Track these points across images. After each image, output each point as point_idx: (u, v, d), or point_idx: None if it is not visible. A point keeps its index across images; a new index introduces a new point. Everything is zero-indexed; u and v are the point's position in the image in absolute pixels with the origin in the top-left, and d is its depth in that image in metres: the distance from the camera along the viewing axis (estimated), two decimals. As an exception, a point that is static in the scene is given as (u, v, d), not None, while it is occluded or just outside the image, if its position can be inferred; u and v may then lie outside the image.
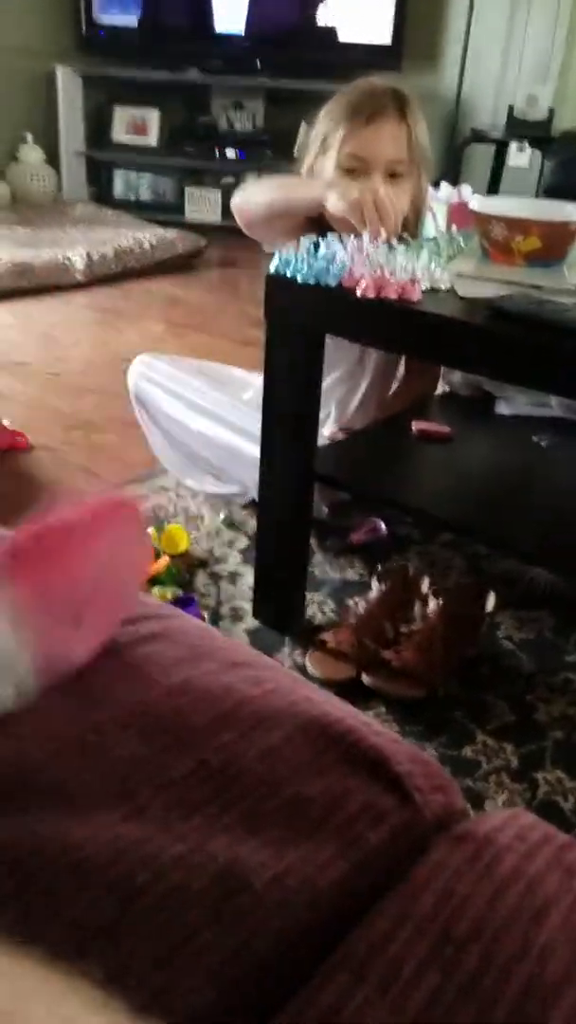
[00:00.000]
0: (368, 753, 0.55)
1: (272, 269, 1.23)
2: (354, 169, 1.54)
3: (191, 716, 0.55)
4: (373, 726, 0.58)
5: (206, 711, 0.56)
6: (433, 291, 1.18)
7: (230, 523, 1.72)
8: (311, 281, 1.18)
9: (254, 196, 1.60)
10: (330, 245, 1.21)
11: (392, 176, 1.55)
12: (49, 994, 0.21)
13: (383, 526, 1.71)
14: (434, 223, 1.65)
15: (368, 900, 0.47)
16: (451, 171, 3.82)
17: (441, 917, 0.42)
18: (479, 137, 3.78)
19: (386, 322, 1.15)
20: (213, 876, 0.45)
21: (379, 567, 1.52)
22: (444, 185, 1.75)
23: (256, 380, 1.90)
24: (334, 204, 1.38)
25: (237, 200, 1.62)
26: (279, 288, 1.23)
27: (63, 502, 0.60)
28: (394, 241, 1.25)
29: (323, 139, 1.57)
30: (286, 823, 0.49)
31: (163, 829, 0.46)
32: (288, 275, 1.20)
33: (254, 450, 1.50)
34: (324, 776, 0.53)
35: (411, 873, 0.46)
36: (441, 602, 1.42)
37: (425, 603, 1.45)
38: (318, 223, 1.51)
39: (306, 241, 1.21)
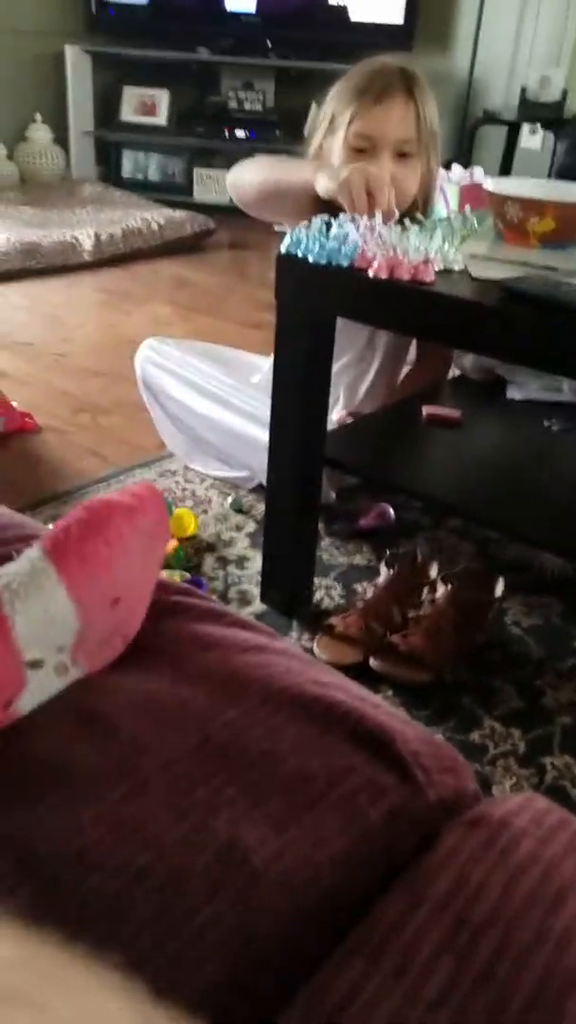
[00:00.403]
0: (372, 732, 0.55)
1: (283, 249, 1.21)
2: (363, 149, 1.52)
3: (196, 698, 0.55)
4: (383, 708, 0.57)
5: (211, 692, 0.56)
6: (446, 272, 1.16)
7: (238, 508, 1.72)
8: (322, 261, 1.17)
9: (245, 175, 1.57)
10: (342, 225, 1.19)
11: (401, 156, 1.53)
12: (72, 979, 0.20)
13: (391, 511, 1.70)
14: (446, 204, 1.63)
15: (368, 877, 0.47)
16: (463, 153, 3.79)
17: (456, 903, 0.41)
18: (491, 119, 3.74)
19: (398, 303, 1.14)
20: (214, 854, 0.45)
21: (387, 552, 1.51)
22: (456, 167, 1.73)
23: (264, 364, 1.89)
24: (324, 186, 1.34)
25: (230, 178, 1.60)
26: (290, 269, 1.21)
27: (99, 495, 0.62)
28: (393, 219, 1.23)
29: (331, 119, 1.56)
30: (288, 797, 0.49)
31: (166, 806, 0.46)
32: (299, 255, 1.19)
33: (262, 435, 1.49)
34: (327, 753, 0.52)
35: (424, 857, 0.45)
36: (450, 588, 1.41)
37: (433, 588, 1.45)
38: (329, 204, 1.49)
39: (318, 221, 1.20)
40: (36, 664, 0.54)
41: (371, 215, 1.22)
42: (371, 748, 0.53)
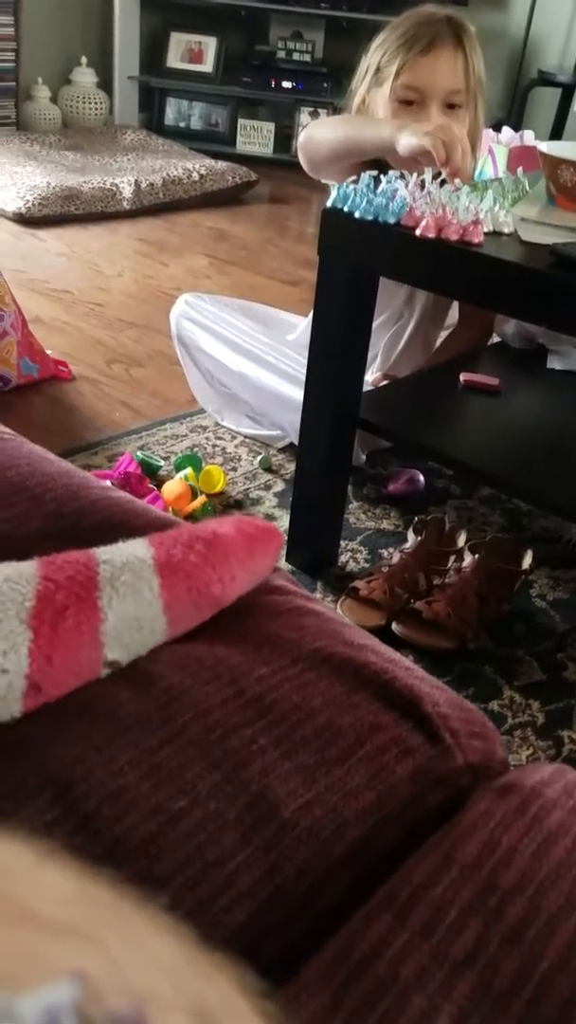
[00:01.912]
0: (402, 692, 0.55)
1: (329, 203, 1.19)
2: (410, 101, 1.48)
3: (231, 656, 0.55)
4: (414, 670, 0.57)
5: (245, 651, 0.56)
6: (496, 234, 1.13)
7: (267, 466, 1.71)
8: (369, 217, 1.15)
9: (320, 132, 1.52)
10: (391, 181, 1.17)
11: (449, 107, 1.49)
12: (125, 918, 0.20)
13: (421, 478, 1.68)
14: (494, 166, 1.59)
15: (394, 834, 0.47)
16: (514, 114, 3.69)
17: (486, 866, 0.42)
18: (545, 80, 3.63)
19: (445, 264, 1.11)
20: (246, 804, 0.45)
21: (415, 519, 1.50)
22: (506, 129, 1.68)
23: (300, 322, 1.87)
24: (407, 143, 1.29)
25: (302, 139, 1.55)
26: (335, 224, 1.19)
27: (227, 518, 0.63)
28: (468, 181, 1.21)
29: (376, 70, 1.51)
30: (318, 749, 0.49)
31: (200, 753, 0.47)
32: (345, 210, 1.17)
33: (296, 393, 1.48)
34: (357, 710, 0.53)
35: (455, 819, 0.45)
36: (477, 557, 1.40)
37: (460, 557, 1.44)
38: (375, 162, 1.46)
39: (366, 176, 1.17)
40: (114, 665, 0.55)
41: (451, 176, 1.20)
42: (401, 708, 0.53)
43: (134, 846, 0.42)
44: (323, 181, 1.57)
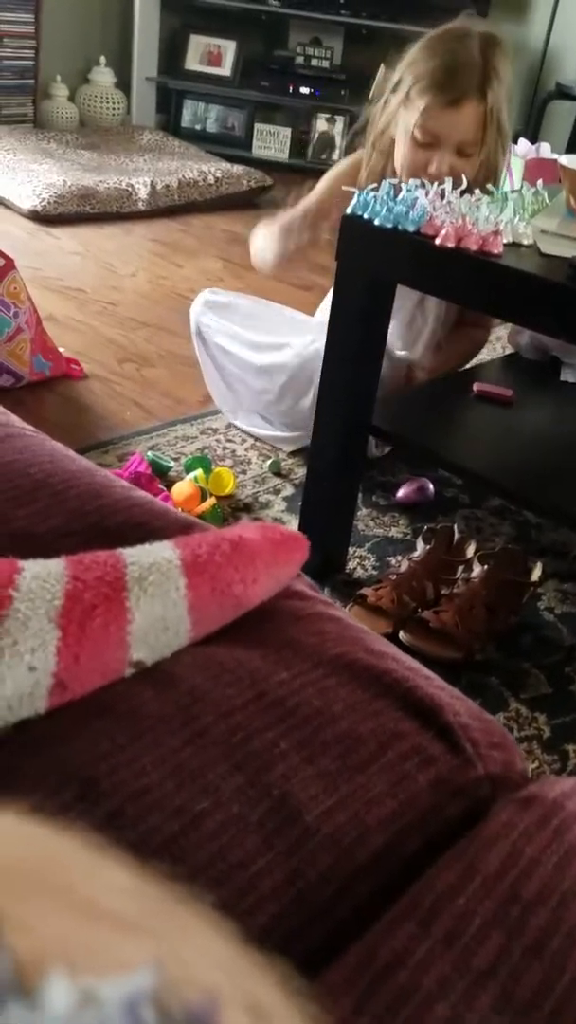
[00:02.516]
0: (423, 701, 0.55)
1: (348, 210, 1.19)
2: (426, 143, 1.52)
3: (252, 659, 0.55)
4: (434, 680, 0.57)
5: (265, 655, 0.56)
6: (515, 246, 1.14)
7: (276, 470, 1.71)
8: (388, 225, 1.15)
9: (259, 255, 1.75)
10: (411, 190, 1.17)
11: (466, 154, 1.55)
12: (177, 913, 0.20)
13: (431, 486, 1.68)
14: (510, 177, 1.60)
15: (414, 843, 0.47)
16: (531, 127, 3.69)
17: (509, 877, 0.42)
18: (564, 93, 3.63)
19: (463, 273, 1.12)
20: (268, 808, 0.45)
21: (425, 527, 1.50)
22: (523, 141, 1.68)
23: (314, 323, 1.87)
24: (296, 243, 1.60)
25: (252, 251, 1.76)
26: (354, 231, 1.20)
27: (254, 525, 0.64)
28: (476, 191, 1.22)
29: (407, 93, 1.53)
30: (340, 755, 0.49)
31: (223, 755, 0.47)
32: (365, 217, 1.17)
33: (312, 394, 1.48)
34: (378, 718, 0.53)
35: (478, 830, 0.45)
36: (485, 567, 1.40)
37: (469, 567, 1.44)
38: (381, 176, 1.52)
39: (386, 184, 1.18)
40: (138, 665, 0.55)
41: None
42: (421, 717, 0.53)
43: (157, 845, 0.42)
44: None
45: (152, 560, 0.56)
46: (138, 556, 0.56)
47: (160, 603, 0.54)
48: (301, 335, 1.75)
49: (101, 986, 0.14)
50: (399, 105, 1.55)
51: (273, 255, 1.71)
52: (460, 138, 1.53)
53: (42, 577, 0.51)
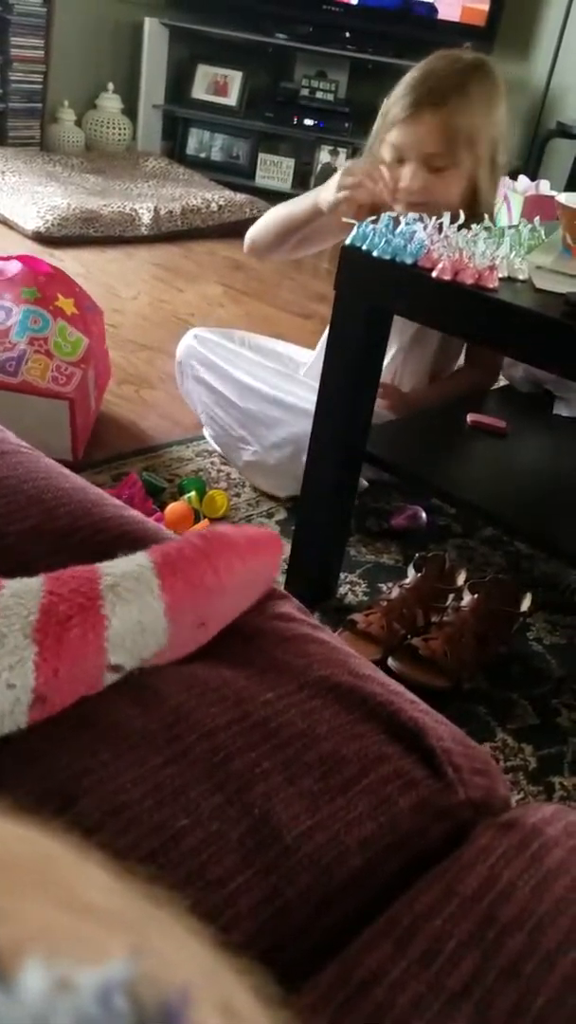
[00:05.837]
0: (407, 725, 0.55)
1: (348, 241, 1.21)
2: (395, 158, 1.52)
3: (237, 679, 0.55)
4: (419, 704, 0.58)
5: (250, 676, 0.56)
6: (510, 280, 1.16)
7: (271, 494, 1.72)
8: (387, 257, 1.17)
9: (260, 223, 1.71)
10: (410, 223, 1.19)
11: (435, 170, 1.51)
12: (160, 915, 0.21)
13: (424, 514, 1.69)
14: (509, 213, 1.62)
15: (394, 865, 0.47)
16: (531, 164, 3.75)
17: (486, 899, 0.42)
18: (564, 132, 3.70)
19: (459, 306, 1.13)
20: (248, 827, 0.45)
21: (416, 555, 1.51)
22: (522, 178, 1.71)
23: (308, 358, 1.87)
24: (326, 201, 1.48)
25: (247, 242, 1.74)
26: (353, 261, 1.21)
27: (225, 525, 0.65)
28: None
29: (385, 118, 1.55)
30: (322, 776, 0.50)
31: (204, 774, 0.47)
32: (364, 249, 1.19)
33: (304, 425, 1.48)
34: (361, 740, 0.53)
35: (457, 853, 0.45)
36: (476, 597, 1.40)
37: (459, 596, 1.44)
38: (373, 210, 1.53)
39: (385, 217, 1.20)
40: (117, 669, 0.55)
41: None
42: (405, 740, 0.53)
43: (136, 862, 0.42)
44: (272, 258, 1.79)
45: (126, 568, 0.57)
46: (113, 566, 0.57)
47: (136, 607, 0.55)
48: (295, 377, 1.76)
49: (77, 973, 0.14)
50: (381, 130, 1.57)
51: (274, 233, 1.68)
52: (422, 149, 1.50)
53: (20, 594, 0.52)
